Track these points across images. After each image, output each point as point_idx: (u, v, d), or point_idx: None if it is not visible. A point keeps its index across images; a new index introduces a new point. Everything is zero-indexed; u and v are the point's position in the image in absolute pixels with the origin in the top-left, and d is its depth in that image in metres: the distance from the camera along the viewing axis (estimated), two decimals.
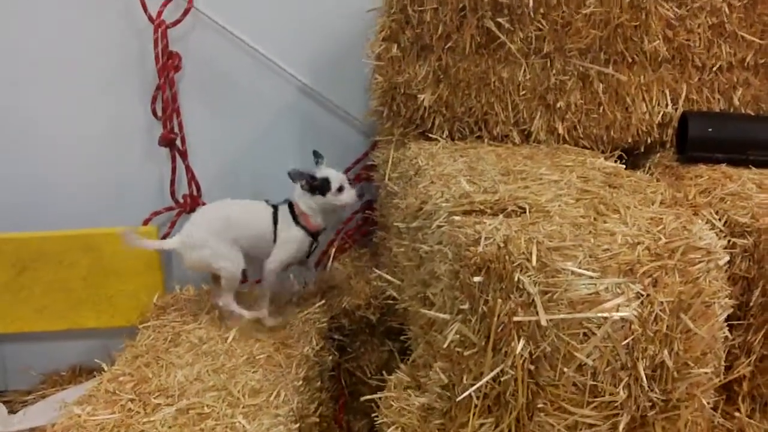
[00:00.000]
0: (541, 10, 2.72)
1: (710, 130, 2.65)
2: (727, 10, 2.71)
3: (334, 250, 3.50)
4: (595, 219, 2.08)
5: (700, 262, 1.95)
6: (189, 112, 3.39)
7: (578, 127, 2.86)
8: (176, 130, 3.35)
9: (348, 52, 3.23)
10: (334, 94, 3.44)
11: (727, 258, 2.00)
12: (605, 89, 2.80)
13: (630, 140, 2.87)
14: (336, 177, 2.91)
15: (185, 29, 3.29)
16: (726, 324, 2.02)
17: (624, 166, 2.66)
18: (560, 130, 2.85)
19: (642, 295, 1.88)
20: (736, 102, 2.81)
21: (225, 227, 2.84)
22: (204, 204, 3.38)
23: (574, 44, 2.75)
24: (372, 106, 3.02)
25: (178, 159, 3.38)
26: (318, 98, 3.44)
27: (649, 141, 2.89)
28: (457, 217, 2.09)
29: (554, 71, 2.79)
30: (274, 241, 2.91)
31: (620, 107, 2.83)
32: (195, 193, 3.44)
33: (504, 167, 2.52)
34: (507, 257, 1.89)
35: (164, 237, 3.38)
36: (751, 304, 2.19)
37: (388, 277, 2.65)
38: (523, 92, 2.83)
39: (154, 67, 3.26)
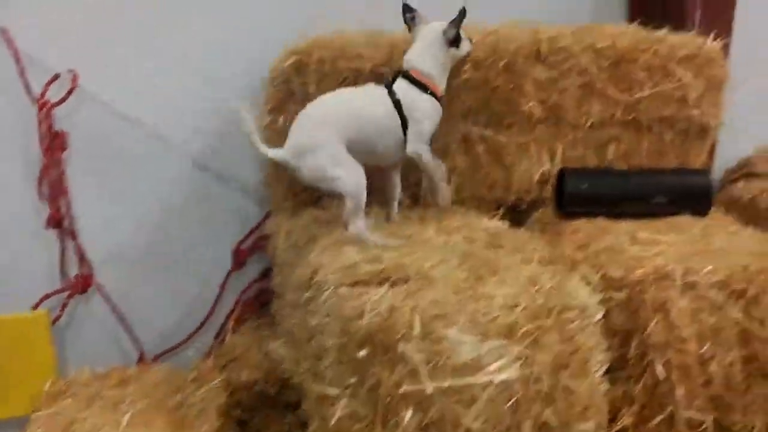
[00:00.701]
0: None
1: (585, 185, 2.78)
2: (594, 70, 2.85)
3: (233, 321, 3.46)
4: (476, 282, 2.14)
5: (575, 320, 2.04)
6: (78, 191, 3.31)
7: (463, 188, 2.94)
8: (64, 210, 3.28)
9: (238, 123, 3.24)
10: (226, 164, 3.43)
11: (601, 314, 2.09)
12: (486, 150, 2.90)
13: (513, 198, 2.97)
14: None
15: (71, 107, 3.24)
16: (606, 377, 2.10)
17: (508, 224, 2.76)
18: None
19: (522, 357, 1.95)
20: (610, 156, 2.94)
21: (337, 124, 2.45)
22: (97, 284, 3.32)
23: (456, 108, 2.85)
24: (263, 176, 3.03)
25: (68, 239, 3.31)
26: (209, 169, 3.44)
27: (530, 198, 2.99)
28: (343, 289, 2.12)
29: (439, 135, 2.87)
30: (403, 126, 2.54)
31: (501, 167, 2.93)
32: (87, 272, 3.36)
33: (392, 233, 2.57)
34: (391, 328, 1.93)
35: (55, 321, 3.29)
36: (629, 356, 2.27)
37: (282, 351, 2.65)
38: None
39: (39, 147, 3.20)
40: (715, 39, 2.99)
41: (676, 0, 3.43)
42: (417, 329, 1.93)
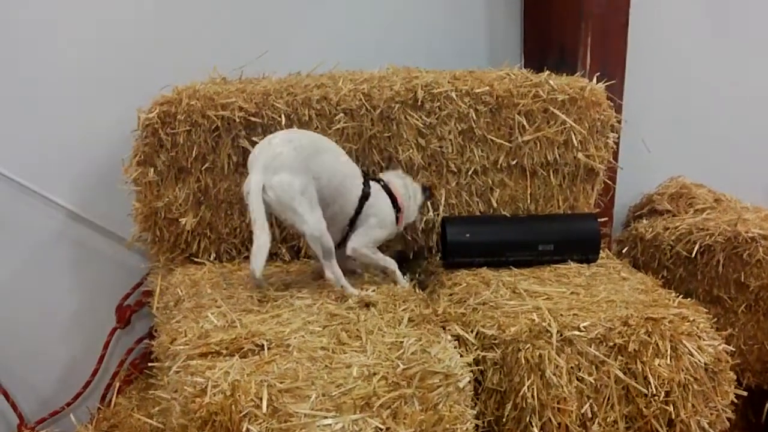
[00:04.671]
0: (294, 128, 2.69)
1: (468, 235, 2.69)
2: (474, 115, 2.77)
3: (119, 383, 3.27)
4: (336, 349, 2.01)
5: (438, 386, 1.92)
6: None
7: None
8: None
9: (116, 175, 3.08)
10: (104, 218, 3.26)
11: (468, 379, 1.97)
12: None
13: (398, 248, 2.86)
14: None
15: None
16: None
17: None
18: None
19: (381, 430, 1.81)
20: (495, 203, 2.86)
21: (316, 157, 2.36)
22: None
23: None
24: (135, 232, 2.88)
25: None
26: (88, 223, 3.26)
27: (416, 248, 2.89)
28: (192, 362, 1.97)
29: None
30: (355, 214, 2.50)
31: None
32: None
33: (261, 293, 2.43)
34: (234, 407, 1.78)
35: None
36: (505, 419, 2.16)
37: (150, 422, 2.47)
38: None
39: None
40: (606, 81, 2.94)
41: (569, 42, 3.40)
42: (264, 406, 1.79)
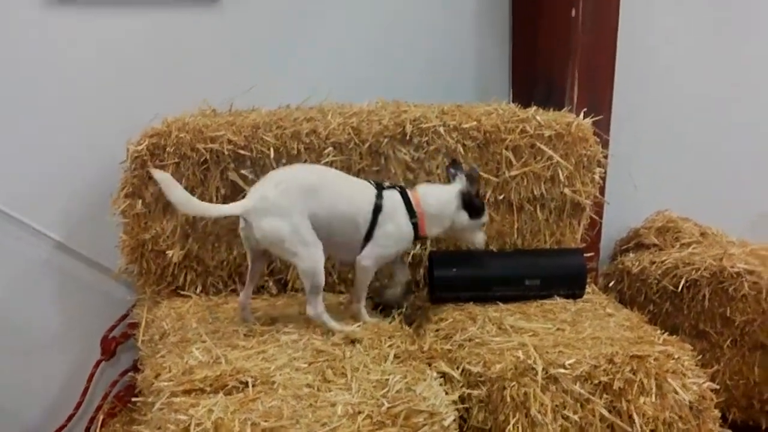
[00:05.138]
0: (283, 161, 2.71)
1: (454, 270, 2.69)
2: (461, 150, 2.79)
3: (102, 415, 3.23)
4: (321, 386, 2.01)
5: (423, 425, 1.91)
6: None
7: (332, 272, 2.82)
8: None
9: (103, 207, 3.08)
10: (91, 248, 3.25)
11: (453, 417, 1.97)
12: None
13: (386, 282, 2.84)
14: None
15: None
16: None
17: (379, 309, 2.67)
18: None
19: None
20: None
21: (309, 195, 2.32)
22: None
23: None
24: (122, 263, 2.87)
25: None
26: (75, 254, 3.25)
27: None
28: (176, 399, 1.96)
29: None
30: (368, 231, 2.43)
31: None
32: None
33: (247, 327, 2.42)
34: None
35: None
36: None
37: None
38: None
39: None
40: (593, 116, 2.96)
41: (557, 77, 3.43)
42: None
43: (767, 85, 4.06)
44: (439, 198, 2.52)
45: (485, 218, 2.60)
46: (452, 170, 2.58)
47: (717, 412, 2.33)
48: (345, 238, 2.41)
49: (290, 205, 2.29)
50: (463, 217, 2.53)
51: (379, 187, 2.47)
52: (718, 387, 2.37)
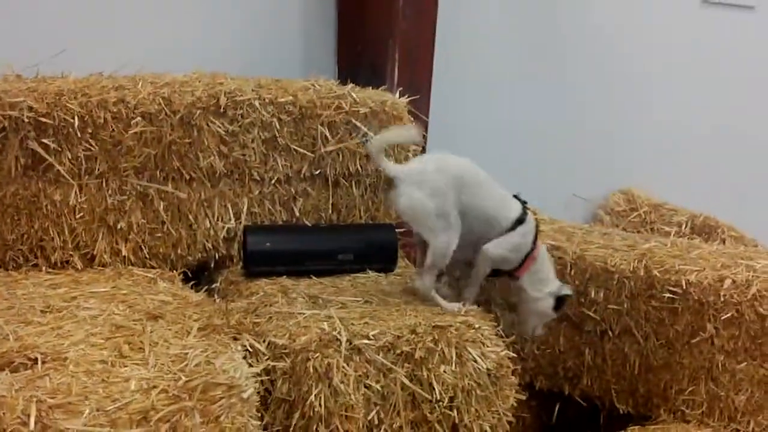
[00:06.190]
0: (89, 130, 2.59)
1: (268, 244, 2.69)
2: (277, 125, 2.78)
3: None
4: (117, 362, 1.95)
5: (221, 398, 1.89)
6: None
7: (143, 247, 2.74)
8: None
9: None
10: None
11: (252, 389, 1.97)
12: (166, 207, 2.72)
13: (199, 257, 2.82)
14: None
15: None
16: None
17: (190, 286, 2.62)
18: (125, 252, 2.71)
19: None
20: (297, 212, 2.88)
21: (464, 187, 2.42)
22: None
23: (129, 163, 2.65)
24: None
25: None
26: None
27: (217, 257, 2.85)
28: None
29: (110, 191, 2.67)
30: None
31: (184, 224, 2.76)
32: None
33: (46, 303, 2.31)
34: None
35: None
36: (293, 428, 2.17)
37: None
38: (80, 214, 2.66)
39: None
40: (408, 96, 3.03)
41: (379, 59, 3.49)
42: (32, 423, 1.70)
43: (573, 59, 4.29)
44: (550, 271, 2.66)
45: (554, 316, 2.73)
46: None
47: (514, 379, 2.46)
48: (474, 237, 2.50)
49: (445, 189, 2.40)
50: (548, 301, 2.66)
51: (524, 203, 2.59)
52: (515, 355, 2.50)
